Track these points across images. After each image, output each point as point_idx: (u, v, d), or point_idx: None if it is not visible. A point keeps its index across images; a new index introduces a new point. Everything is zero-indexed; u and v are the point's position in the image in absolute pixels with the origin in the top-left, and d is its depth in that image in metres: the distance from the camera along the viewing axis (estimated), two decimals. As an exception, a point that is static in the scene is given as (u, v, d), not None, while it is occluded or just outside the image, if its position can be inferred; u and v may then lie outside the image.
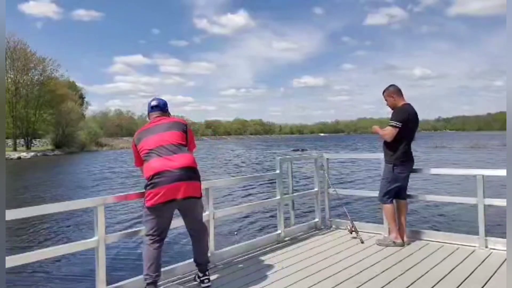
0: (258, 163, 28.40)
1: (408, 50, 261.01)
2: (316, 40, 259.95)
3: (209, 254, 3.49)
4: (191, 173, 3.07)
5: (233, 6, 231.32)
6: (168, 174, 2.96)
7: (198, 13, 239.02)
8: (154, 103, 3.37)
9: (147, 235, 3.09)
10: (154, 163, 3.01)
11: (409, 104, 4.28)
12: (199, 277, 3.29)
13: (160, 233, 3.10)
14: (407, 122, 4.15)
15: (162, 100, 3.42)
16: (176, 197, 2.98)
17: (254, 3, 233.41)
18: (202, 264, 3.29)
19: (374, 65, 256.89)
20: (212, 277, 3.35)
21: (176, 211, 3.21)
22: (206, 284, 3.23)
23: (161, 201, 2.96)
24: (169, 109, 3.47)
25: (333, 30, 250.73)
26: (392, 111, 4.28)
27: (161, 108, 3.37)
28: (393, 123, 4.14)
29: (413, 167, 4.35)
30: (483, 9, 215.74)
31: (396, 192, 4.28)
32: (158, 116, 3.32)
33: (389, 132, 4.15)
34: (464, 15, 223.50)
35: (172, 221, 3.23)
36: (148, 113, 3.40)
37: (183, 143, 3.18)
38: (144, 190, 3.09)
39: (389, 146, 4.23)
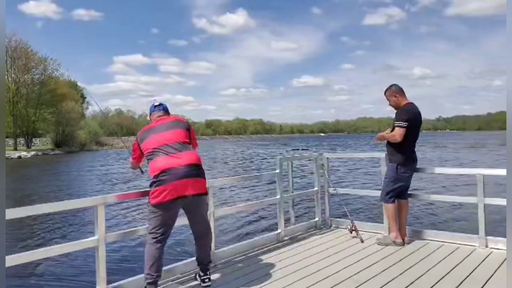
0: (258, 163, 28.36)
1: (407, 50, 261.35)
2: (315, 40, 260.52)
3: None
4: (197, 170, 3.09)
5: (232, 6, 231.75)
6: (174, 171, 2.97)
7: (198, 12, 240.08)
8: (157, 102, 3.45)
9: (150, 233, 3.08)
10: (161, 162, 3.02)
11: (412, 103, 4.28)
12: (200, 275, 3.29)
13: (164, 232, 3.09)
14: (412, 121, 4.14)
15: (164, 102, 3.51)
16: (183, 194, 2.99)
17: (253, 3, 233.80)
18: (204, 264, 3.30)
19: (373, 65, 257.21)
20: (211, 277, 3.34)
21: (180, 210, 3.20)
22: (207, 284, 3.23)
23: (168, 199, 2.96)
24: (170, 109, 3.54)
25: (332, 30, 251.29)
26: (395, 110, 4.26)
27: (164, 107, 3.45)
28: (400, 123, 4.12)
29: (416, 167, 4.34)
30: (481, 10, 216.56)
31: (398, 191, 4.27)
32: (160, 116, 3.37)
33: (397, 133, 4.13)
34: (462, 15, 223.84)
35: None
36: (151, 112, 3.45)
37: (187, 141, 3.21)
38: (146, 189, 3.11)
39: (393, 146, 4.21)
